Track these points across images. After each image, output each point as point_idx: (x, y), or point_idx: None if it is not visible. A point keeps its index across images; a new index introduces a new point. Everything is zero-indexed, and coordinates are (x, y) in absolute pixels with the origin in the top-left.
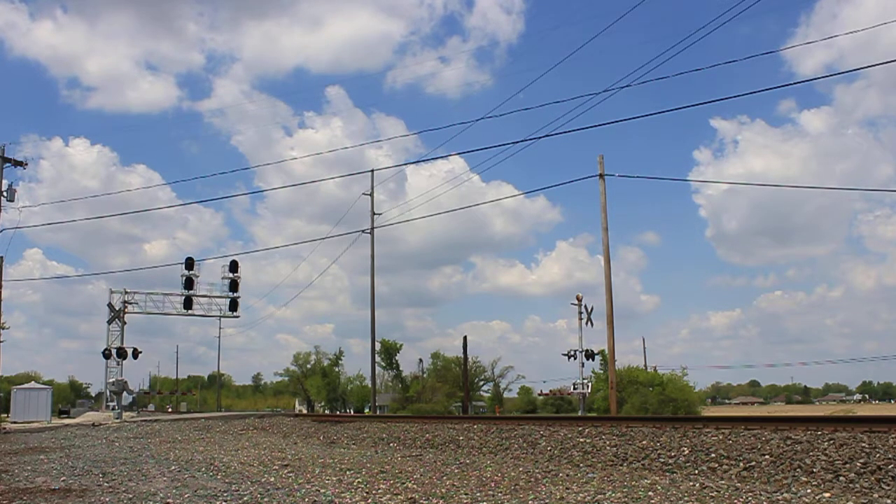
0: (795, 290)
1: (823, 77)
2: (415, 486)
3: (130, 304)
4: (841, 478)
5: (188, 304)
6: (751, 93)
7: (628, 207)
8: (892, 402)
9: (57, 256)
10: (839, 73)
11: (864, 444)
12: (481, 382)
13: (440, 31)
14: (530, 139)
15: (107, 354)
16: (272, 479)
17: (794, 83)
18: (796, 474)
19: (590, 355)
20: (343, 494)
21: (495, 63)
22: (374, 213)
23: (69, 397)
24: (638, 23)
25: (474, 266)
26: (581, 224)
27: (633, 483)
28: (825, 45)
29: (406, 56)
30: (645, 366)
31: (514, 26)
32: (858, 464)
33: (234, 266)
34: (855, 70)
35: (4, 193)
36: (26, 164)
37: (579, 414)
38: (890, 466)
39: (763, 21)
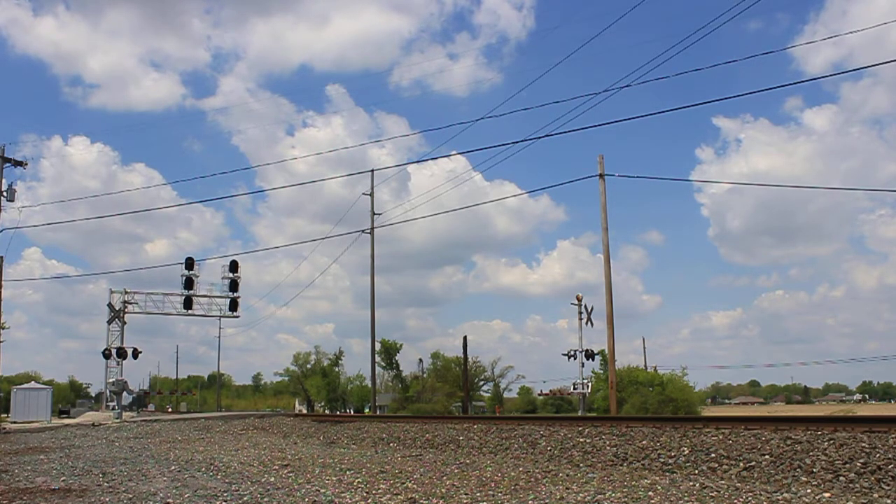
0: (797, 289)
1: (826, 76)
2: (415, 486)
3: (130, 304)
4: (841, 478)
5: (188, 304)
6: (752, 92)
7: (631, 207)
8: (893, 402)
9: (57, 256)
10: (843, 73)
11: (864, 444)
12: (481, 382)
13: (449, 28)
14: (530, 139)
15: (107, 354)
16: (272, 479)
17: (797, 82)
18: (796, 474)
19: (590, 355)
20: (343, 494)
21: (504, 60)
22: (373, 213)
23: (69, 397)
24: (648, 19)
25: (476, 265)
26: (585, 223)
27: (633, 483)
28: (834, 42)
29: (413, 53)
30: (645, 366)
31: (524, 23)
32: (858, 464)
33: (234, 266)
34: (859, 69)
35: (4, 193)
36: (26, 164)
37: (579, 414)
38: (890, 466)
39: (773, 17)
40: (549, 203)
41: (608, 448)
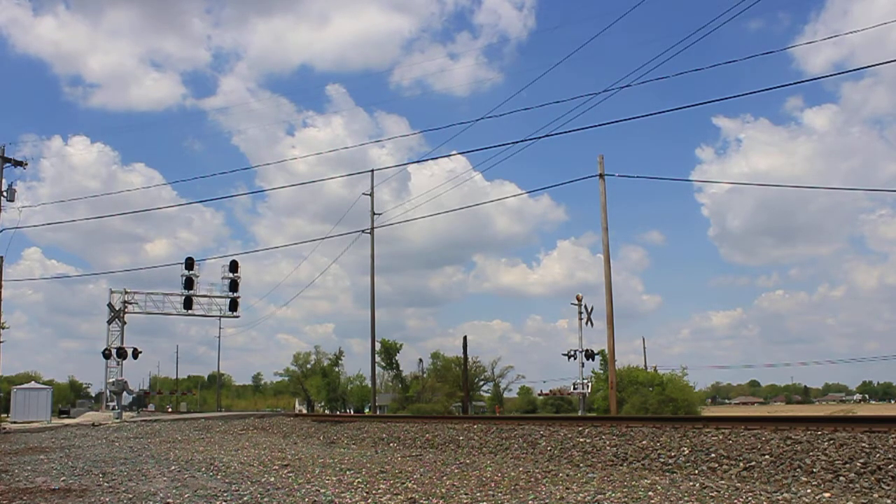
0: (797, 289)
1: (827, 76)
2: (415, 486)
3: (130, 304)
4: (841, 478)
5: (188, 304)
6: (752, 92)
7: (631, 207)
8: (893, 402)
9: (57, 256)
10: (843, 72)
11: (864, 444)
12: (481, 382)
13: (449, 28)
14: (530, 139)
15: (107, 354)
16: (272, 479)
17: (797, 82)
18: (796, 474)
19: (590, 355)
20: (343, 494)
21: (504, 60)
22: (373, 213)
23: (69, 397)
24: (648, 19)
25: (476, 265)
26: (585, 223)
27: (633, 483)
28: (834, 42)
29: (414, 53)
30: (645, 366)
31: (525, 23)
32: (858, 464)
33: (233, 266)
34: (860, 69)
35: (4, 193)
36: (26, 164)
37: (579, 414)
38: (890, 466)
39: (773, 17)
40: (549, 203)
41: (608, 448)
